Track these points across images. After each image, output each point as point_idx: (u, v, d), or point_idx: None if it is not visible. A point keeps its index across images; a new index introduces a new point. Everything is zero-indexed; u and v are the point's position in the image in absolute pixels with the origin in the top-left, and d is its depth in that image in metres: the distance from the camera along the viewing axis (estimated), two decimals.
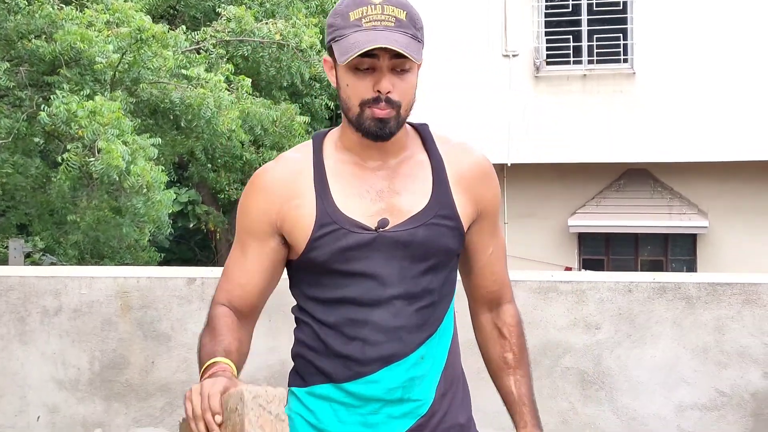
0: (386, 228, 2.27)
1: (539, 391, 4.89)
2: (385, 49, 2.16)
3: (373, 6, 2.19)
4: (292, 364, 2.43)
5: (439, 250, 2.32)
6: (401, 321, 2.28)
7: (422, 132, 2.43)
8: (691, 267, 14.84)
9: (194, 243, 22.13)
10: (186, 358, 5.30)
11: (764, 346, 4.80)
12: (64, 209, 14.39)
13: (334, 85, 2.32)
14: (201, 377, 2.17)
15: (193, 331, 5.28)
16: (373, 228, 2.26)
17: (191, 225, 19.62)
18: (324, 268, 2.29)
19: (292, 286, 2.44)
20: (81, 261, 14.10)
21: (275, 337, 5.16)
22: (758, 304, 4.79)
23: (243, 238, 2.39)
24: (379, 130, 2.22)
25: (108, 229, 14.09)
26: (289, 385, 2.42)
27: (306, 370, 2.38)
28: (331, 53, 2.27)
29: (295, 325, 2.46)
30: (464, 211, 2.36)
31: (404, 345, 2.29)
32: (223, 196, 17.20)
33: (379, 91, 2.19)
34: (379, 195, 2.30)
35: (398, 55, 2.17)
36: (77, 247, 14.19)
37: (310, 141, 2.41)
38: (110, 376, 5.39)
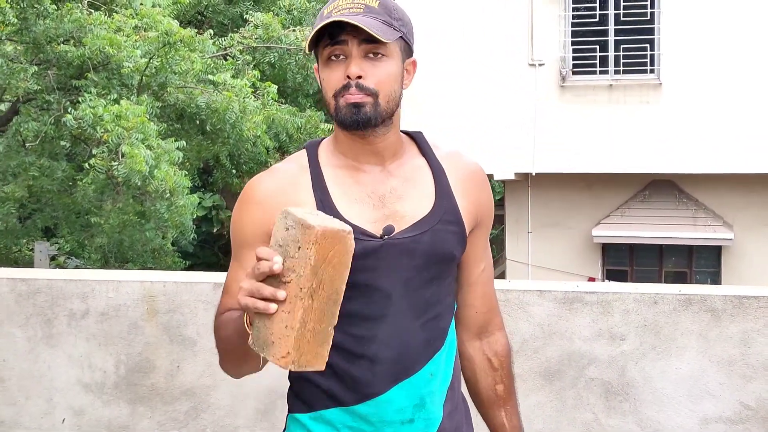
0: (392, 235, 2.18)
1: (563, 401, 4.93)
2: (354, 33, 2.10)
3: None
4: (285, 387, 2.30)
5: (444, 257, 2.25)
6: (408, 336, 2.19)
7: (417, 139, 2.36)
8: (716, 279, 14.80)
9: (218, 248, 22.19)
10: (211, 362, 5.32)
11: None
12: (89, 212, 14.48)
13: (321, 88, 2.24)
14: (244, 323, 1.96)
15: None
16: (378, 235, 2.17)
17: (215, 230, 19.68)
18: None
19: None
20: (105, 264, 14.17)
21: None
22: None
23: (240, 253, 2.26)
24: (353, 115, 2.12)
25: (132, 233, 14.17)
26: (289, 411, 2.33)
27: (310, 394, 2.25)
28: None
29: None
30: (466, 217, 2.30)
31: (413, 361, 2.21)
32: None
33: (348, 77, 2.11)
34: (381, 200, 2.21)
35: (369, 41, 2.10)
36: (101, 250, 14.27)
37: (303, 150, 2.32)
38: (136, 379, 5.42)
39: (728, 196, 14.70)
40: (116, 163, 11.48)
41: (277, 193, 2.21)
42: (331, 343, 1.85)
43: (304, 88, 15.55)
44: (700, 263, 15.05)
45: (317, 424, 2.23)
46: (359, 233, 2.10)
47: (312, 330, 1.80)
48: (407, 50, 2.22)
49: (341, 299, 1.83)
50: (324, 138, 2.36)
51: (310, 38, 2.11)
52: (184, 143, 12.75)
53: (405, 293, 2.19)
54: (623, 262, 15.31)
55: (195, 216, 13.13)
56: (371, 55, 2.12)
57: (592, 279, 14.65)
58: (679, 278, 14.94)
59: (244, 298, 1.82)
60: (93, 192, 13.83)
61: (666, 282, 14.54)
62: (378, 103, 2.13)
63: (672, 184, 14.95)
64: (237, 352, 2.11)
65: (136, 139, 11.51)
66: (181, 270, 15.50)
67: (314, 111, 15.27)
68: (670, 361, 4.90)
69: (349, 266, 1.83)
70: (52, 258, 16.12)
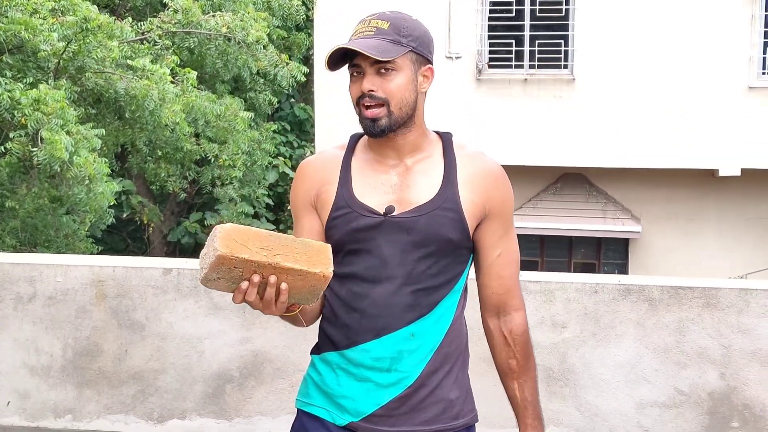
0: (392, 214, 2.55)
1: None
2: (363, 56, 2.49)
3: (364, 23, 2.58)
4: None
5: (438, 239, 2.56)
6: (396, 299, 2.54)
7: (444, 138, 2.74)
8: (623, 270, 15.15)
9: (126, 234, 21.97)
10: (159, 347, 5.38)
11: (722, 348, 5.01)
12: (1, 196, 14.23)
13: None
14: None
15: (167, 321, 5.37)
16: (381, 213, 2.56)
17: (124, 215, 19.49)
18: (338, 246, 2.58)
19: None
20: (18, 249, 13.97)
21: (248, 328, 5.27)
22: (717, 307, 5.01)
23: (297, 215, 2.74)
24: (370, 128, 2.55)
25: (45, 218, 13.98)
26: (311, 353, 2.76)
27: (321, 339, 2.70)
28: None
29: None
30: (470, 208, 2.61)
31: (395, 321, 2.55)
32: (155, 187, 17.10)
33: (362, 91, 2.52)
34: (391, 188, 2.60)
35: (377, 60, 2.49)
36: (14, 234, 14.04)
37: (348, 140, 2.76)
38: (83, 363, 5.46)
39: (636, 190, 15.05)
40: (36, 149, 11.31)
41: (316, 169, 2.71)
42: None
43: (221, 74, 15.48)
44: (608, 255, 15.39)
45: (322, 363, 2.68)
46: (365, 211, 2.57)
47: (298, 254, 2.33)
48: (421, 60, 2.60)
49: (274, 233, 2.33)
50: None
51: (327, 62, 2.52)
52: (103, 131, 12.60)
53: (400, 263, 2.56)
54: (534, 252, 15.58)
55: (111, 202, 12.98)
56: (382, 71, 2.52)
57: None
58: (588, 269, 15.25)
59: (274, 309, 2.39)
60: (6, 176, 13.61)
61: (575, 273, 14.84)
62: (391, 112, 2.54)
63: (583, 178, 15.26)
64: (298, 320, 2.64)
65: (56, 125, 11.36)
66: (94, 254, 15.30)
67: (233, 98, 15.22)
68: (608, 348, 5.10)
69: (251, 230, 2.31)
70: None
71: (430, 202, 2.57)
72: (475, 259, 2.71)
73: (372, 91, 2.51)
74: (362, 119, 2.56)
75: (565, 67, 14.62)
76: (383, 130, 2.54)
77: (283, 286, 2.31)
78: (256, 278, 2.28)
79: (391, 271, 2.56)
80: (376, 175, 2.63)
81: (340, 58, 2.55)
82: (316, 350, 2.73)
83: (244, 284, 2.28)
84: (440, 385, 2.62)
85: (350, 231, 2.57)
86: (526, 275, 5.21)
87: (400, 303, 2.54)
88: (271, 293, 2.31)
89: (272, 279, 2.28)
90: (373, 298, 2.56)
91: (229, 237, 2.23)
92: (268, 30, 15.13)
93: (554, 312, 5.12)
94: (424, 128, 2.69)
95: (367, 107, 2.53)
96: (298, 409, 2.76)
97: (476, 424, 2.75)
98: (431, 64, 2.63)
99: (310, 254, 2.31)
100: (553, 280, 5.18)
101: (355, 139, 2.74)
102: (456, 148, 2.70)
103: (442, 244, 2.57)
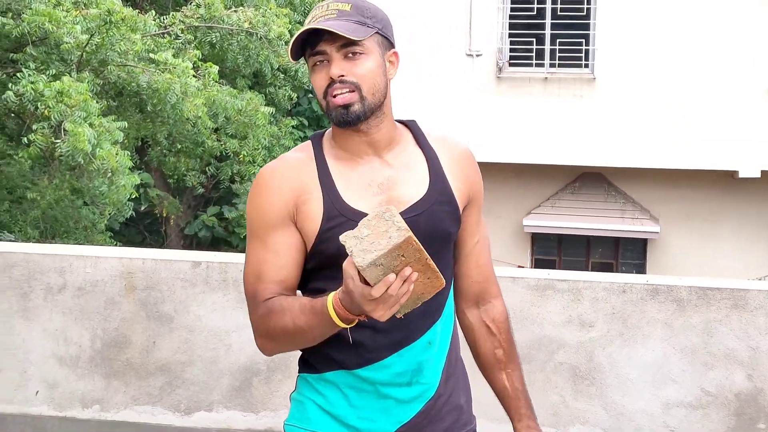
0: None
1: (532, 384, 5.08)
2: (329, 40, 2.31)
3: (321, 7, 2.36)
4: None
5: (440, 236, 2.43)
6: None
7: (412, 127, 2.57)
8: (641, 270, 15.16)
9: (143, 227, 22.04)
10: (187, 339, 5.42)
11: (749, 349, 5.02)
12: (22, 187, 14.30)
13: None
14: (341, 309, 2.17)
15: (195, 314, 5.40)
16: None
17: (142, 208, 19.55)
18: (334, 260, 2.28)
19: (309, 280, 2.48)
20: (40, 240, 14.04)
21: None
22: (746, 309, 5.01)
23: (265, 235, 2.42)
24: (343, 116, 2.33)
25: (66, 209, 14.05)
26: (299, 372, 2.55)
27: (318, 359, 2.45)
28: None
29: None
30: (459, 193, 2.49)
31: (412, 331, 2.39)
32: (173, 181, 17.15)
33: (331, 78, 2.32)
34: (380, 187, 2.41)
35: (346, 44, 2.31)
36: (35, 225, 14.12)
37: (309, 142, 2.52)
38: (111, 354, 5.49)
39: (655, 191, 15.06)
40: (59, 141, 11.37)
41: (289, 177, 2.42)
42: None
43: (243, 69, 15.52)
44: (626, 255, 15.40)
45: (322, 383, 2.45)
46: (361, 217, 2.21)
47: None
48: (386, 44, 2.43)
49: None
50: (326, 130, 2.55)
51: (290, 49, 2.36)
52: (125, 123, 12.66)
53: None
54: (552, 251, 15.60)
55: (133, 195, 13.04)
56: (350, 56, 2.33)
57: (521, 267, 14.90)
58: (605, 269, 15.26)
59: (389, 312, 2.08)
60: (29, 167, 13.68)
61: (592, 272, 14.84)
62: (364, 97, 2.34)
63: (601, 177, 15.27)
64: (308, 339, 2.34)
65: (79, 117, 11.41)
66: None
67: (254, 93, 15.26)
68: (635, 348, 5.11)
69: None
70: None
71: (425, 197, 2.42)
72: (454, 247, 2.57)
73: (342, 76, 2.31)
74: (332, 109, 2.34)
75: (586, 66, 14.63)
76: (358, 116, 2.33)
77: (412, 286, 2.07)
78: (407, 271, 2.03)
79: None
80: (358, 176, 2.42)
81: (300, 46, 2.38)
82: (311, 369, 2.49)
83: (392, 276, 2.01)
84: (455, 390, 2.54)
85: None
86: (554, 274, 5.23)
87: (415, 311, 2.26)
88: (405, 291, 2.05)
89: (414, 276, 2.05)
90: None
91: (403, 222, 2.02)
92: (290, 26, 15.15)
93: (581, 311, 5.13)
94: (393, 119, 2.50)
95: (336, 95, 2.32)
96: None
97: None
98: (395, 48, 2.46)
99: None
100: (581, 279, 5.19)
101: (319, 139, 2.51)
102: (425, 133, 2.55)
103: (443, 240, 2.45)
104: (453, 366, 2.54)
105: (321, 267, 2.41)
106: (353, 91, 2.32)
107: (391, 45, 2.44)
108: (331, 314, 2.17)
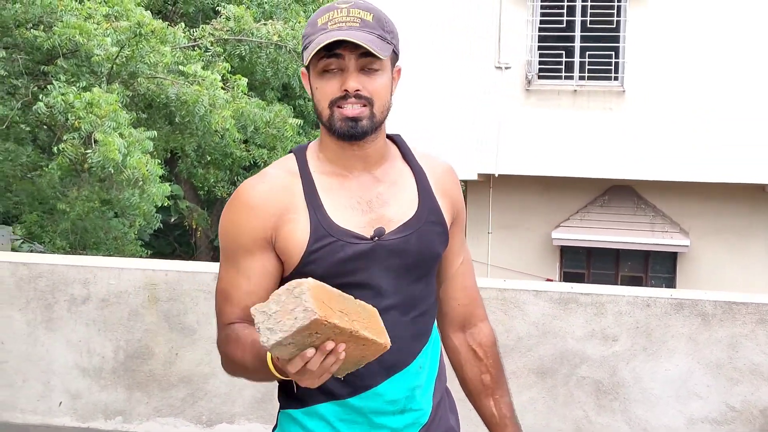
0: (382, 237, 2.24)
1: (555, 399, 5.08)
2: (351, 48, 2.14)
3: (339, 10, 2.19)
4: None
5: (430, 257, 2.33)
6: (399, 331, 2.21)
7: (398, 142, 2.43)
8: (670, 284, 15.05)
9: (173, 238, 22.14)
10: (210, 350, 5.42)
11: None
12: (52, 198, 14.43)
13: (309, 94, 2.27)
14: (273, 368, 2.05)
15: None
16: (369, 237, 2.23)
17: (172, 219, 19.66)
18: (323, 281, 2.04)
19: None
20: (69, 251, 14.15)
21: None
22: None
23: (238, 257, 2.27)
24: (350, 129, 2.18)
25: (95, 220, 14.15)
26: (281, 408, 2.36)
27: (305, 391, 2.27)
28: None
29: None
30: (446, 214, 2.37)
31: (404, 355, 2.28)
32: (203, 192, 17.23)
33: (346, 90, 2.15)
34: (369, 205, 2.27)
35: (365, 54, 2.15)
36: (65, 236, 14.23)
37: (291, 155, 2.35)
38: (134, 365, 5.50)
39: (685, 204, 14.96)
40: (89, 151, 11.46)
41: (271, 198, 2.25)
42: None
43: (272, 82, 15.58)
44: (655, 268, 15.30)
45: (310, 419, 2.28)
46: (351, 237, 2.20)
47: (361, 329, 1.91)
48: (395, 59, 2.29)
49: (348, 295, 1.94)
50: (309, 143, 2.40)
51: (312, 50, 2.14)
52: (155, 133, 12.75)
53: (396, 290, 2.26)
54: (581, 264, 15.51)
55: (162, 205, 13.12)
56: (367, 69, 2.17)
57: (549, 280, 14.84)
58: (634, 282, 15.16)
59: (318, 380, 1.91)
60: (59, 178, 13.80)
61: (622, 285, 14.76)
62: (373, 114, 2.19)
63: (631, 190, 15.19)
64: (256, 378, 2.21)
65: (109, 127, 11.51)
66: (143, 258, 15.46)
67: (282, 105, 15.31)
68: (659, 363, 5.07)
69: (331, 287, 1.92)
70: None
71: (415, 217, 2.30)
72: (437, 269, 2.45)
73: (358, 90, 2.15)
74: (337, 120, 2.18)
75: (616, 79, 14.55)
76: (365, 132, 2.19)
77: (342, 355, 1.89)
78: (329, 345, 1.86)
79: (387, 302, 2.24)
80: (346, 193, 2.28)
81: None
82: (296, 404, 2.31)
83: (311, 351, 1.85)
84: (444, 412, 2.43)
85: (337, 262, 2.20)
86: (577, 287, 5.20)
87: (405, 334, 2.25)
88: (331, 362, 1.89)
89: (341, 347, 1.88)
90: None
91: (318, 297, 1.82)
92: None
93: (605, 325, 5.09)
94: (385, 133, 2.37)
95: (345, 106, 2.17)
96: None
97: None
98: (399, 63, 2.32)
99: (369, 319, 1.95)
100: (605, 292, 5.16)
101: (302, 153, 2.35)
102: (411, 149, 2.43)
103: (432, 261, 2.35)
104: (441, 389, 2.44)
105: None
106: (365, 106, 2.17)
107: (397, 59, 2.30)
108: (269, 366, 2.05)
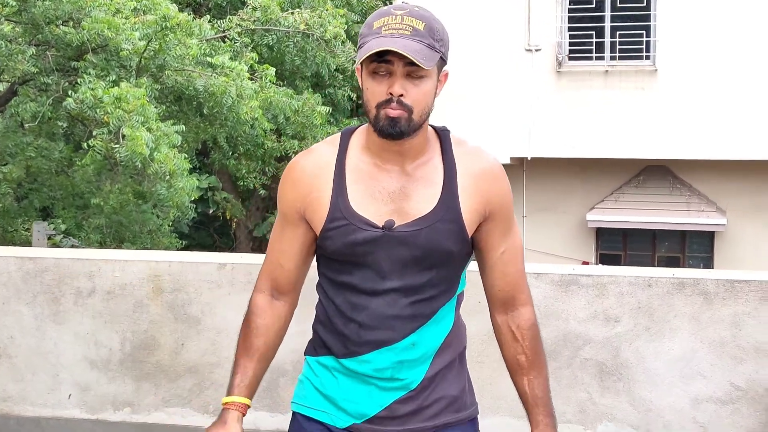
0: (392, 228, 2.47)
1: (558, 381, 5.04)
2: (398, 55, 2.34)
3: (394, 16, 2.39)
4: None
5: (439, 252, 2.50)
6: (395, 311, 2.50)
7: (442, 136, 2.62)
8: (708, 264, 14.93)
9: (213, 229, 22.25)
10: (215, 341, 5.43)
11: None
12: (87, 193, 14.55)
13: (362, 89, 2.49)
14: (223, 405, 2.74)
15: (222, 315, 5.41)
16: (380, 227, 2.48)
17: (210, 211, 19.75)
18: (333, 256, 2.54)
19: (318, 266, 2.68)
20: (103, 245, 14.26)
21: (302, 322, 5.28)
22: None
23: (281, 219, 2.65)
24: (389, 128, 2.39)
25: (130, 214, 14.25)
26: (305, 354, 2.73)
27: (316, 342, 2.67)
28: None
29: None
30: (471, 214, 2.54)
31: (395, 333, 2.52)
32: (242, 183, 17.28)
33: (391, 94, 2.38)
34: (390, 197, 2.51)
35: (412, 63, 2.34)
36: (99, 231, 14.34)
37: (339, 136, 2.63)
38: (141, 356, 5.53)
39: (722, 182, 14.82)
40: (117, 146, 11.54)
41: (307, 174, 2.57)
42: None
43: (302, 71, 15.59)
44: (693, 248, 15.18)
45: (318, 366, 2.65)
46: (363, 223, 2.48)
47: None
48: (442, 65, 2.48)
49: None
50: (360, 126, 2.65)
51: (363, 54, 2.36)
52: (183, 127, 12.80)
53: (401, 276, 2.50)
54: (617, 246, 15.43)
55: (193, 197, 13.18)
56: (413, 76, 2.38)
57: (585, 263, 14.77)
58: (672, 263, 15.06)
59: None
60: (92, 173, 13.91)
61: (659, 266, 14.65)
62: (412, 119, 2.40)
63: (666, 170, 15.07)
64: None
65: (137, 121, 11.57)
66: (178, 250, 15.57)
67: (311, 93, 15.30)
68: (662, 343, 5.01)
69: None
70: (48, 238, 16.19)
71: (431, 213, 2.50)
72: (478, 258, 2.66)
73: (401, 96, 2.38)
74: (381, 119, 2.40)
75: (647, 58, 14.44)
76: (402, 133, 2.41)
77: None
78: None
79: (389, 284, 2.50)
80: (373, 183, 2.52)
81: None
82: (312, 351, 2.69)
83: None
84: (442, 382, 2.61)
85: (347, 244, 2.49)
86: (578, 269, 5.15)
87: (400, 315, 2.50)
88: None
89: None
90: (371, 310, 2.51)
91: None
92: (346, 26, 15.18)
93: (607, 306, 5.04)
94: (427, 130, 2.56)
95: (388, 108, 2.40)
96: (294, 411, 2.73)
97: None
98: (446, 67, 2.53)
99: None
100: (606, 273, 5.11)
101: (347, 137, 2.61)
102: (454, 146, 2.60)
103: (443, 256, 2.52)
104: (445, 361, 2.61)
105: (326, 258, 2.60)
106: (405, 111, 2.38)
107: (445, 63, 2.51)
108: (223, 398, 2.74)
